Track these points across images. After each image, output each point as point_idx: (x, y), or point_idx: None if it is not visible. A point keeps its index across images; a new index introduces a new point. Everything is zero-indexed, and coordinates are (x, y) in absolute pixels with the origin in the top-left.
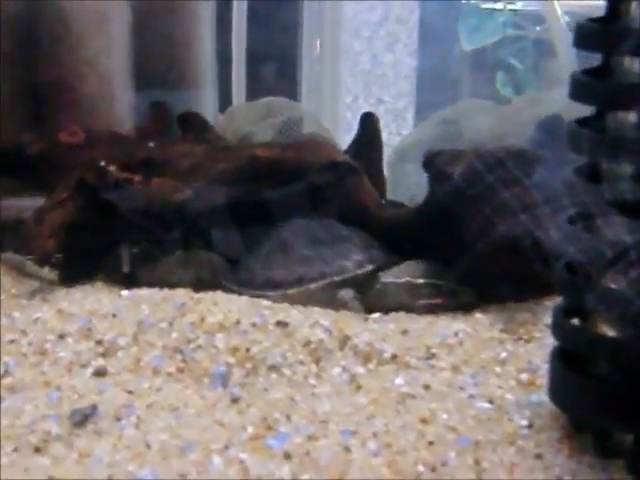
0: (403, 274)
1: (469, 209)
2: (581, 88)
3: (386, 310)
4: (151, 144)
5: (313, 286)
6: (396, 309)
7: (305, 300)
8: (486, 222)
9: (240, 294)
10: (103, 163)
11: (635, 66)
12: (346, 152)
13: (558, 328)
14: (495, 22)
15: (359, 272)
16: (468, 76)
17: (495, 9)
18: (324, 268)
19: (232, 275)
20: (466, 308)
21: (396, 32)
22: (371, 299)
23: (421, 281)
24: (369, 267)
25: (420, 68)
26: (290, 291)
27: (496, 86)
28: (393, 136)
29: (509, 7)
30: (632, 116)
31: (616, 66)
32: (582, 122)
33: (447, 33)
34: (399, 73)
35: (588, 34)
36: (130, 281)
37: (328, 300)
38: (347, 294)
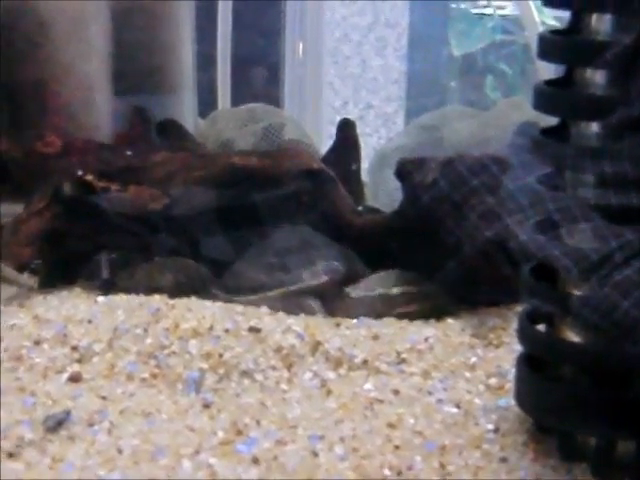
0: (376, 286)
1: (440, 217)
2: (544, 98)
3: None
4: (129, 152)
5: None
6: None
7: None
8: (459, 229)
9: (222, 299)
10: (80, 172)
11: (597, 78)
12: (324, 159)
13: (523, 334)
14: (484, 27)
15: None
16: (458, 80)
17: (485, 14)
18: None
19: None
20: (441, 313)
21: (386, 36)
22: (343, 311)
23: (395, 291)
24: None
25: (410, 73)
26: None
27: (485, 90)
28: (382, 140)
29: (498, 12)
30: (594, 126)
31: (578, 77)
32: (547, 132)
33: (437, 38)
34: (389, 77)
35: (550, 46)
36: (108, 287)
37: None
38: (313, 304)
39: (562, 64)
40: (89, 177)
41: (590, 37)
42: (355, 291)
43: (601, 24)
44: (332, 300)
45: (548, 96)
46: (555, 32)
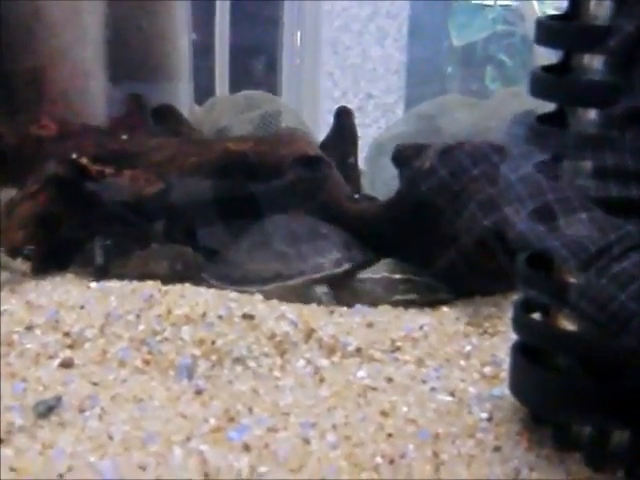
0: (380, 270)
1: (439, 204)
2: (540, 84)
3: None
4: (124, 137)
5: (290, 283)
6: (372, 304)
7: (282, 296)
8: (457, 217)
9: (222, 289)
10: (75, 156)
11: (594, 64)
12: (321, 146)
13: (518, 322)
14: (485, 18)
15: (336, 270)
16: (457, 71)
17: (485, 5)
18: (301, 265)
19: (211, 269)
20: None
21: (386, 27)
22: (347, 295)
23: (398, 276)
24: (346, 266)
25: (410, 63)
26: (267, 287)
27: (485, 81)
28: (382, 131)
29: (499, 3)
30: (592, 113)
31: (575, 63)
32: (544, 119)
33: (437, 28)
34: (389, 68)
35: (548, 31)
36: (102, 273)
37: (304, 296)
38: (321, 290)
39: (560, 49)
40: (83, 160)
41: (589, 22)
42: (362, 273)
43: (600, 9)
44: (342, 284)
45: (545, 82)
46: (553, 17)
